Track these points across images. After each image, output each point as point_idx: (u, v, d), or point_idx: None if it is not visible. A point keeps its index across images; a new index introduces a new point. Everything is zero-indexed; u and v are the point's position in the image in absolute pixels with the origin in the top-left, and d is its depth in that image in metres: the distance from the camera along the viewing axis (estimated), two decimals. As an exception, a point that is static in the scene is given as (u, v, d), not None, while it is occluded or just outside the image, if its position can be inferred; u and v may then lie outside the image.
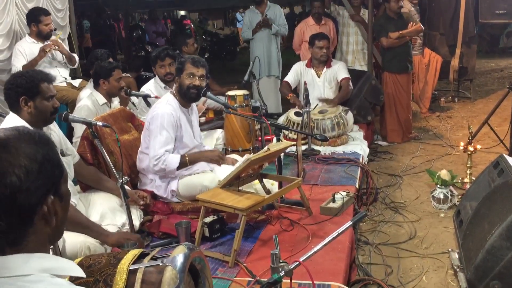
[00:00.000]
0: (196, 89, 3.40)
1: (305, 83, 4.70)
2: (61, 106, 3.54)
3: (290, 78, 5.38)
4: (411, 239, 3.58)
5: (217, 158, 3.53)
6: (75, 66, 5.49)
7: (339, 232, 1.81)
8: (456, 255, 3.11)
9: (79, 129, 3.83)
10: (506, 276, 2.47)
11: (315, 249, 1.78)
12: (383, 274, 3.12)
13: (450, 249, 3.26)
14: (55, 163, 1.07)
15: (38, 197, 1.02)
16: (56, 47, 4.97)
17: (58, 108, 2.80)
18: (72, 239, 2.60)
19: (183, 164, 3.36)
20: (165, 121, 3.28)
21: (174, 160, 3.33)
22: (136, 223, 3.04)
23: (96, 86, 4.05)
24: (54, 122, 2.85)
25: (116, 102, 4.30)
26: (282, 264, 1.78)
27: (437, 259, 3.28)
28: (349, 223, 1.86)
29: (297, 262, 1.75)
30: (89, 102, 3.94)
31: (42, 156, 1.04)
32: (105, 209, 3.00)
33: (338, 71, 5.28)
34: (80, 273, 1.09)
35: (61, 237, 1.14)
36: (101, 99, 4.01)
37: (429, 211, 4.02)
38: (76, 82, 5.41)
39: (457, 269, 2.97)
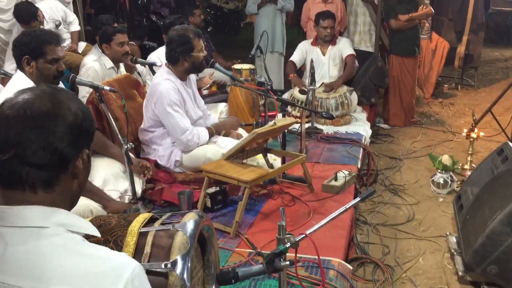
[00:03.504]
0: (205, 60, 3.41)
1: (311, 61, 4.66)
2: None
3: (295, 57, 5.34)
4: (409, 221, 3.61)
5: (237, 123, 3.68)
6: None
7: (346, 207, 1.82)
8: (454, 239, 3.14)
9: (82, 90, 3.82)
10: (504, 261, 2.51)
11: (322, 223, 1.79)
12: (380, 254, 3.16)
13: (448, 233, 3.29)
14: (92, 118, 1.11)
15: (82, 142, 1.06)
16: None
17: (64, 71, 2.76)
18: (74, 202, 2.60)
19: (210, 135, 3.43)
20: (172, 97, 3.26)
21: (204, 132, 3.39)
22: (139, 190, 3.05)
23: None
24: (62, 84, 2.82)
25: (122, 69, 4.26)
26: (288, 235, 1.79)
27: (434, 242, 3.32)
28: (357, 199, 1.86)
29: (304, 235, 1.76)
30: (97, 64, 3.91)
31: (85, 108, 1.10)
32: (108, 175, 3.00)
33: (343, 48, 5.24)
34: (95, 232, 1.10)
35: (77, 203, 1.15)
36: (109, 63, 3.99)
37: (428, 195, 4.05)
38: (80, 48, 5.35)
39: (455, 253, 3.01)
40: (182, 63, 3.34)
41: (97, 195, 2.74)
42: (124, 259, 1.00)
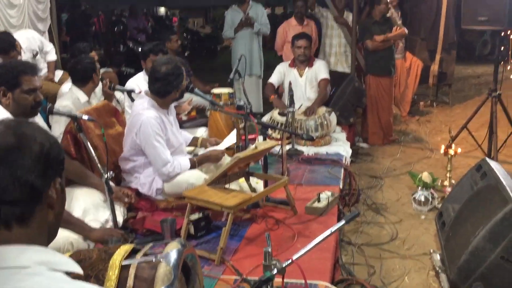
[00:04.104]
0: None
1: (290, 83, 4.70)
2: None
3: (273, 79, 5.39)
4: (393, 240, 3.62)
5: (221, 155, 3.58)
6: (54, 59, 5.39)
7: (332, 231, 1.82)
8: (438, 256, 3.16)
9: (56, 128, 3.67)
10: (489, 277, 2.52)
11: (308, 247, 1.78)
12: (366, 274, 3.15)
13: (432, 250, 3.30)
14: (59, 146, 1.10)
15: (52, 171, 1.05)
16: None
17: (42, 101, 2.72)
18: (54, 235, 2.53)
19: (192, 167, 3.39)
20: (155, 127, 3.23)
21: (185, 162, 3.37)
22: (120, 219, 2.99)
23: (79, 83, 3.90)
24: (40, 115, 2.78)
25: (94, 101, 4.18)
26: (274, 262, 1.77)
27: (419, 260, 3.33)
28: (342, 222, 1.86)
29: (290, 260, 1.74)
30: (70, 101, 3.80)
31: (51, 137, 1.09)
32: (88, 205, 2.94)
33: (319, 71, 5.30)
34: (77, 268, 1.06)
35: (56, 234, 1.12)
36: (83, 97, 3.87)
37: (410, 213, 4.07)
38: (57, 76, 5.31)
39: (439, 270, 3.02)
40: (174, 95, 3.36)
41: (77, 226, 2.67)
42: None
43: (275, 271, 1.70)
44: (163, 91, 3.31)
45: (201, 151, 4.09)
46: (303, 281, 2.33)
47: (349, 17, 6.11)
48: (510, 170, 3.27)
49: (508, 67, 7.95)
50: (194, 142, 3.86)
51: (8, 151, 0.99)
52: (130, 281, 1.56)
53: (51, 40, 5.76)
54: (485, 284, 2.53)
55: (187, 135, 3.84)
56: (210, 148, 3.70)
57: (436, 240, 3.54)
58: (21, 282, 0.93)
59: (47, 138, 1.07)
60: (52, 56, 5.38)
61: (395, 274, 3.17)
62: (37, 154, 1.02)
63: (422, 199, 4.04)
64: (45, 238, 1.07)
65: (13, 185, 0.98)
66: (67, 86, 4.04)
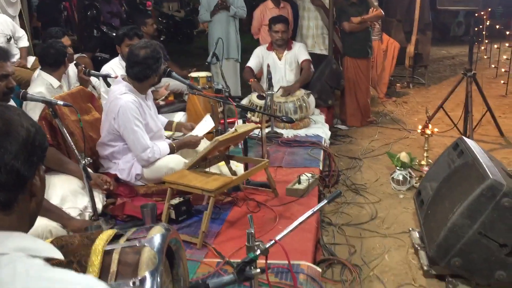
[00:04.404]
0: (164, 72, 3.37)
1: (268, 66, 4.68)
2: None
3: (252, 63, 5.36)
4: (373, 219, 3.66)
5: (199, 141, 3.55)
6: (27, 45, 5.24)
7: (314, 210, 1.82)
8: (417, 234, 3.21)
9: (32, 116, 3.60)
10: (466, 253, 2.57)
11: (291, 227, 1.79)
12: (346, 254, 3.19)
13: (410, 229, 3.35)
14: (44, 133, 1.08)
15: (37, 159, 1.03)
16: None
17: (14, 87, 2.65)
18: (33, 223, 2.49)
19: (171, 152, 3.35)
20: (133, 111, 3.18)
21: (164, 147, 3.32)
22: (99, 206, 2.96)
23: (49, 68, 3.83)
24: (13, 102, 2.71)
25: (65, 87, 4.10)
26: (257, 243, 1.77)
27: (398, 238, 3.38)
28: (324, 201, 1.87)
29: (273, 241, 1.74)
30: (43, 88, 3.72)
31: (35, 123, 1.07)
32: (66, 192, 2.90)
33: (299, 53, 5.29)
34: (57, 254, 1.05)
35: (35, 222, 1.10)
36: (56, 82, 3.80)
37: (389, 192, 4.12)
38: (29, 62, 5.17)
39: (418, 248, 3.07)
40: (153, 79, 3.30)
41: (55, 214, 2.63)
42: (90, 283, 0.95)
43: (258, 252, 1.70)
44: (142, 76, 3.25)
45: (180, 136, 4.06)
46: (286, 262, 2.35)
47: (326, -1, 6.09)
48: (485, 148, 3.32)
49: (482, 48, 8.08)
50: (168, 126, 3.81)
51: None
52: (114, 266, 1.54)
53: (22, 25, 5.58)
54: (463, 259, 2.58)
55: (162, 118, 3.79)
56: (188, 134, 3.67)
57: (414, 219, 3.59)
58: None
59: (32, 124, 1.05)
60: (24, 42, 5.23)
61: (375, 253, 3.21)
62: (23, 140, 1.00)
63: (401, 178, 4.09)
64: (27, 225, 1.06)
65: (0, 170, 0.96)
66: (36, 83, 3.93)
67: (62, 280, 0.93)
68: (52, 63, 3.76)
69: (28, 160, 1.00)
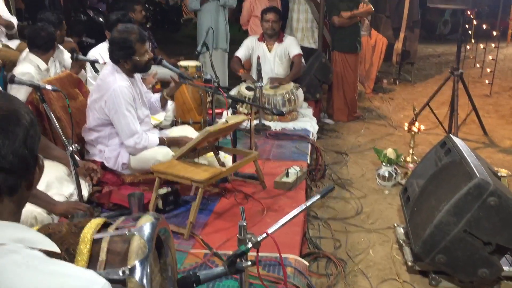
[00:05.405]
0: (152, 60, 3.30)
1: (258, 58, 4.66)
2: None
3: (241, 53, 5.33)
4: (358, 214, 3.69)
5: None
6: (14, 31, 5.12)
7: (307, 204, 1.82)
8: (402, 230, 3.24)
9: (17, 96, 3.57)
10: (451, 250, 2.60)
11: (283, 221, 1.78)
12: (332, 248, 3.21)
13: (395, 224, 3.38)
14: (37, 121, 1.06)
15: (36, 146, 1.02)
16: None
17: (1, 68, 2.59)
18: (17, 209, 2.44)
19: (161, 143, 3.30)
20: (126, 96, 3.13)
21: (154, 138, 3.28)
22: (85, 193, 2.91)
23: (39, 51, 3.79)
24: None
25: (52, 70, 4.04)
26: (249, 235, 1.76)
27: (383, 233, 3.41)
28: (317, 196, 1.86)
29: (265, 234, 1.74)
30: (31, 68, 3.67)
31: (31, 110, 1.06)
32: (51, 178, 2.84)
33: (290, 47, 5.28)
34: (54, 247, 1.04)
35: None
36: (43, 65, 3.76)
37: (374, 188, 4.16)
38: (13, 44, 5.06)
39: (403, 243, 3.10)
40: (123, 64, 3.22)
41: (40, 199, 2.57)
42: (91, 277, 0.94)
43: (250, 245, 1.69)
44: (111, 58, 3.23)
45: (168, 127, 4.03)
46: (275, 255, 2.36)
47: (317, -8, 6.08)
48: (470, 147, 3.36)
49: (468, 47, 8.16)
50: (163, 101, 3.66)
51: (6, 120, 0.97)
52: (103, 255, 1.52)
53: (7, 6, 5.46)
54: (447, 256, 2.61)
55: (155, 96, 3.69)
56: (182, 133, 3.60)
57: (399, 214, 3.63)
58: None
59: (31, 113, 1.04)
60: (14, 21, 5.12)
61: (360, 247, 3.24)
62: (27, 128, 0.99)
63: (386, 174, 4.12)
64: (21, 213, 1.04)
65: (12, 155, 0.96)
66: (23, 64, 3.86)
67: (63, 274, 0.92)
68: (42, 45, 3.75)
69: (31, 147, 1.00)
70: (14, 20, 5.06)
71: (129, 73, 3.27)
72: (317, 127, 4.88)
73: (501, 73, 8.36)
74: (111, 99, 3.11)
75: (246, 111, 4.58)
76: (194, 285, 1.60)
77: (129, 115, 3.15)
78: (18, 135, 0.97)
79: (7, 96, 1.04)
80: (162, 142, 3.32)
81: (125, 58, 3.18)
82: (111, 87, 3.12)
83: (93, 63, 3.97)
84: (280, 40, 5.28)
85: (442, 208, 2.63)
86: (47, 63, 3.82)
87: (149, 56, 3.24)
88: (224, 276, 1.83)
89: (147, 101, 3.50)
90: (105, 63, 3.96)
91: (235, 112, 3.47)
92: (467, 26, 8.14)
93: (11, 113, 0.98)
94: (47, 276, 0.89)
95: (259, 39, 5.34)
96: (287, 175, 3.36)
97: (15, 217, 1.00)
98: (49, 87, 2.65)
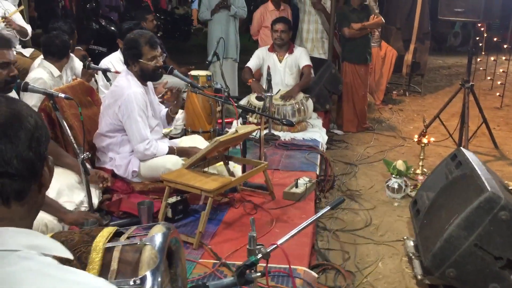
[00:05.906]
0: (162, 69, 3.31)
1: (268, 68, 4.68)
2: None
3: (251, 63, 5.36)
4: (367, 226, 3.67)
5: None
6: (27, 38, 5.19)
7: (318, 215, 1.82)
8: (412, 243, 3.22)
9: (28, 103, 3.60)
10: (462, 264, 2.58)
11: (293, 232, 1.78)
12: (340, 260, 3.19)
13: (405, 237, 3.36)
14: (45, 124, 1.07)
15: (43, 150, 1.01)
16: (8, 25, 4.67)
17: (16, 76, 2.62)
18: (28, 216, 2.46)
19: (170, 152, 3.32)
20: (140, 102, 3.16)
21: (163, 146, 3.30)
22: (95, 201, 2.93)
23: (53, 58, 3.86)
24: (14, 91, 2.68)
25: (65, 78, 4.10)
26: (259, 246, 1.76)
27: (392, 246, 3.39)
28: (327, 208, 1.86)
29: (275, 245, 1.74)
30: (45, 74, 3.74)
31: (38, 113, 1.06)
32: (62, 186, 2.87)
33: (300, 58, 5.30)
34: (67, 254, 1.03)
35: (36, 216, 1.09)
36: (56, 71, 3.83)
37: (383, 199, 4.13)
38: (27, 52, 5.12)
39: (413, 257, 3.07)
40: (132, 67, 3.25)
41: (51, 207, 2.60)
42: (103, 285, 0.94)
43: (259, 255, 1.69)
44: (124, 59, 3.33)
45: (178, 136, 4.04)
46: (283, 266, 2.35)
47: (326, 3, 6.10)
48: (480, 159, 3.34)
49: (479, 59, 8.14)
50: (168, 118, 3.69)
51: (8, 125, 0.96)
52: (115, 264, 1.53)
53: (21, 14, 5.53)
54: (457, 270, 2.59)
55: (162, 109, 3.72)
56: (192, 143, 3.61)
57: (408, 227, 3.60)
58: (9, 265, 0.89)
59: (37, 115, 1.04)
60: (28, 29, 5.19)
61: (369, 260, 3.22)
62: (31, 131, 0.99)
63: (396, 186, 4.10)
64: (33, 219, 1.04)
65: (16, 159, 0.95)
66: (38, 70, 3.92)
67: (76, 282, 0.91)
68: (56, 52, 3.84)
69: (37, 150, 1.00)
70: (28, 28, 5.13)
71: (141, 80, 3.30)
72: (326, 138, 4.88)
73: (512, 86, 8.32)
74: (124, 104, 3.14)
75: (255, 121, 4.60)
76: (204, 295, 1.59)
77: (141, 121, 3.17)
78: (21, 139, 0.96)
79: (9, 99, 1.03)
80: (171, 151, 3.33)
81: (132, 59, 3.22)
82: (125, 92, 3.15)
83: (105, 71, 4.00)
84: (291, 51, 5.31)
85: (452, 221, 2.61)
86: (60, 71, 3.91)
87: (158, 63, 3.24)
88: (233, 287, 1.83)
89: (158, 112, 3.52)
90: (116, 71, 4.00)
91: (245, 122, 3.48)
92: (477, 38, 8.14)
93: (13, 117, 0.97)
94: (61, 283, 0.89)
95: (269, 50, 5.37)
96: (296, 185, 3.36)
97: (27, 222, 1.00)
98: (62, 95, 2.68)
